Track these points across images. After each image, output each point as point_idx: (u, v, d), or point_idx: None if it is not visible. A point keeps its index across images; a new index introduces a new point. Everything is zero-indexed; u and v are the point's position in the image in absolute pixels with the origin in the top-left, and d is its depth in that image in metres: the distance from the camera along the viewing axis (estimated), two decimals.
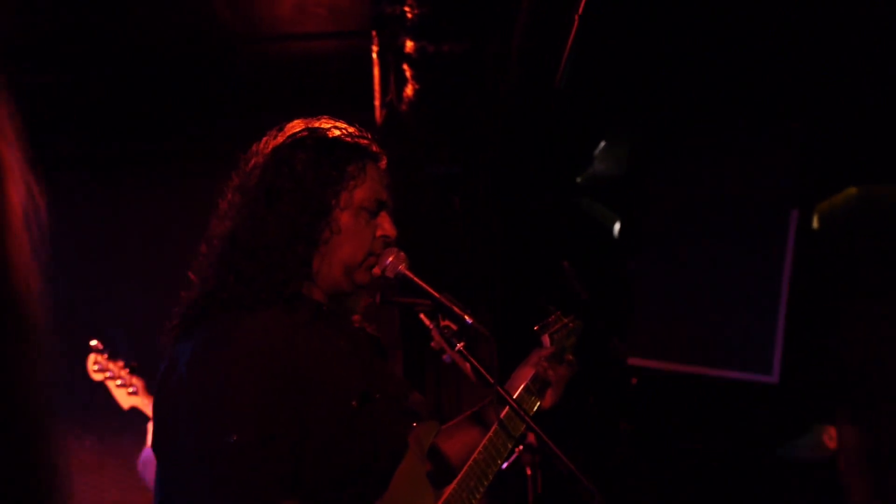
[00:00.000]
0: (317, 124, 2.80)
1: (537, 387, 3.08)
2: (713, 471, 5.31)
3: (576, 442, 3.50)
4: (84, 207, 5.67)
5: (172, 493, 2.59)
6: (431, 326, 2.79)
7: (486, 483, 2.90)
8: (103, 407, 4.88)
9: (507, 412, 2.94)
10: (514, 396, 3.00)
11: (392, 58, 4.93)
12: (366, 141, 2.81)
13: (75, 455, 5.44)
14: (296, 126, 2.80)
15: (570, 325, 3.25)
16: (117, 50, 5.09)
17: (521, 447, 4.13)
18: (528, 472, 4.97)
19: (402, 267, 2.80)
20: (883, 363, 5.05)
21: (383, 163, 2.83)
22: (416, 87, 4.94)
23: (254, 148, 2.79)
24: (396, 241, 2.84)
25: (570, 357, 3.18)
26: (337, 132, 2.78)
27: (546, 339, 3.15)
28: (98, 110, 5.45)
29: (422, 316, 2.80)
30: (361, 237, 2.75)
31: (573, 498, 2.71)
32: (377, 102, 5.07)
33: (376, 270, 2.80)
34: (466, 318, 2.73)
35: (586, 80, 4.94)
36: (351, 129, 2.81)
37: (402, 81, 4.98)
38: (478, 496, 2.88)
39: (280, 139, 2.77)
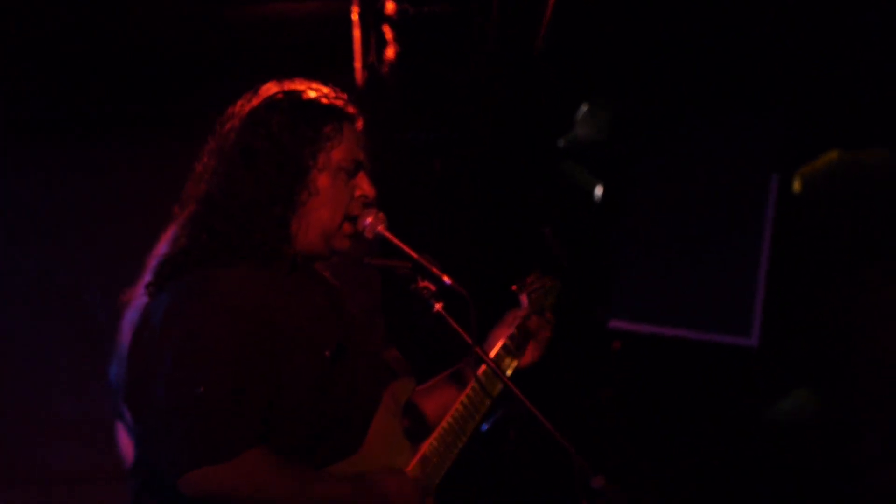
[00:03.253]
0: (292, 86, 2.80)
1: (514, 345, 3.10)
2: (693, 434, 5.34)
3: (556, 405, 3.53)
4: (60, 172, 5.65)
5: (146, 448, 2.61)
6: (411, 287, 2.80)
7: (463, 439, 2.93)
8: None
9: (484, 370, 2.96)
10: (492, 356, 3.02)
11: (373, 19, 4.90)
12: (341, 102, 2.81)
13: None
14: (271, 88, 2.80)
15: (549, 284, 3.26)
16: (94, 14, 5.04)
17: (502, 410, 4.16)
18: (511, 434, 5.01)
19: (380, 227, 2.81)
20: (862, 328, 5.08)
21: (360, 123, 2.84)
22: (397, 49, 4.92)
23: (229, 111, 2.79)
24: (375, 203, 2.85)
25: (549, 316, 3.20)
26: (313, 93, 2.79)
27: (524, 299, 3.17)
28: (73, 75, 5.41)
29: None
30: (339, 198, 2.76)
31: (554, 459, 2.73)
32: (358, 65, 5.05)
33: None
34: (445, 278, 2.75)
35: (568, 44, 4.93)
36: (326, 90, 2.81)
37: (383, 44, 4.96)
38: (455, 452, 2.91)
39: (255, 101, 2.77)
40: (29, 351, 5.52)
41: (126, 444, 3.63)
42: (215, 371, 2.46)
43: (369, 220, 2.81)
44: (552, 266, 3.61)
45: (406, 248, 2.79)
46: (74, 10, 5.07)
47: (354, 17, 4.98)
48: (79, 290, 5.47)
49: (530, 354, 3.15)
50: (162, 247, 3.02)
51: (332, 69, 4.67)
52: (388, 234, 2.81)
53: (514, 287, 3.19)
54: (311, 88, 2.80)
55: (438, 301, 2.77)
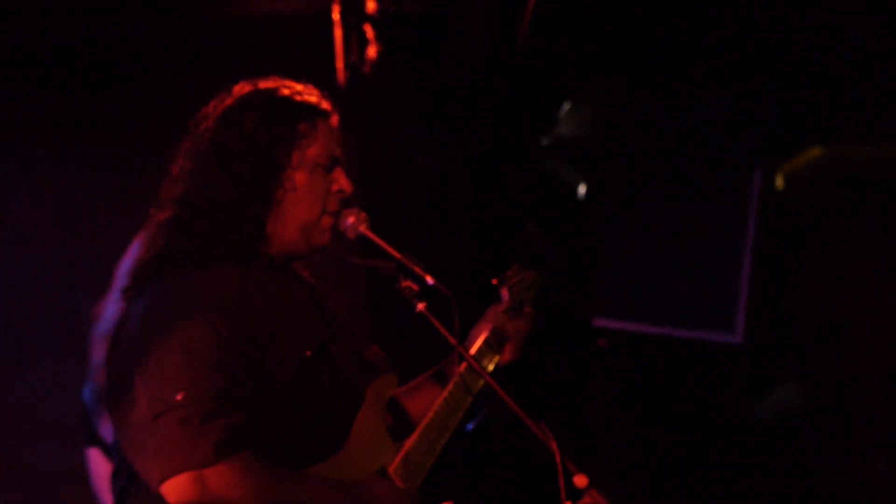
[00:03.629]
0: (265, 84, 2.80)
1: (496, 340, 3.09)
2: (678, 431, 5.35)
3: (541, 403, 3.53)
4: (44, 171, 5.64)
5: (127, 454, 2.59)
6: (395, 287, 2.80)
7: (446, 435, 2.92)
8: None
9: (465, 367, 2.96)
10: (473, 352, 3.01)
11: (354, 19, 4.89)
12: (315, 98, 2.81)
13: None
14: (244, 87, 2.80)
15: (530, 278, 3.25)
16: (75, 11, 5.02)
17: (486, 409, 4.16)
18: (495, 433, 5.01)
19: (362, 227, 2.81)
20: (847, 322, 5.09)
21: (334, 119, 2.83)
22: (379, 48, 4.91)
23: (203, 111, 2.79)
24: (358, 201, 2.85)
25: (529, 310, 3.19)
26: (286, 91, 2.78)
27: (505, 293, 3.16)
28: (52, 71, 5.40)
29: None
30: (316, 193, 2.75)
31: (537, 458, 2.73)
32: (340, 64, 5.04)
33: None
34: (427, 278, 2.74)
35: (550, 39, 4.93)
36: (300, 88, 2.81)
37: (365, 42, 4.95)
38: (438, 448, 2.90)
39: (229, 101, 2.77)
40: (18, 350, 5.52)
41: (100, 472, 3.60)
42: (195, 376, 2.44)
43: (351, 220, 2.81)
44: (537, 263, 3.60)
45: (389, 248, 2.79)
46: (55, 7, 5.05)
47: (336, 16, 4.97)
48: (67, 290, 5.46)
49: (511, 350, 3.14)
50: (132, 252, 3.02)
51: (314, 68, 4.64)
52: (370, 234, 2.81)
53: (494, 281, 3.18)
54: (285, 86, 2.80)
55: (421, 301, 2.76)
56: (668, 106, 5.35)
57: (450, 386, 2.96)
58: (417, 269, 2.76)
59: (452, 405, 2.95)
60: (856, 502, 5.00)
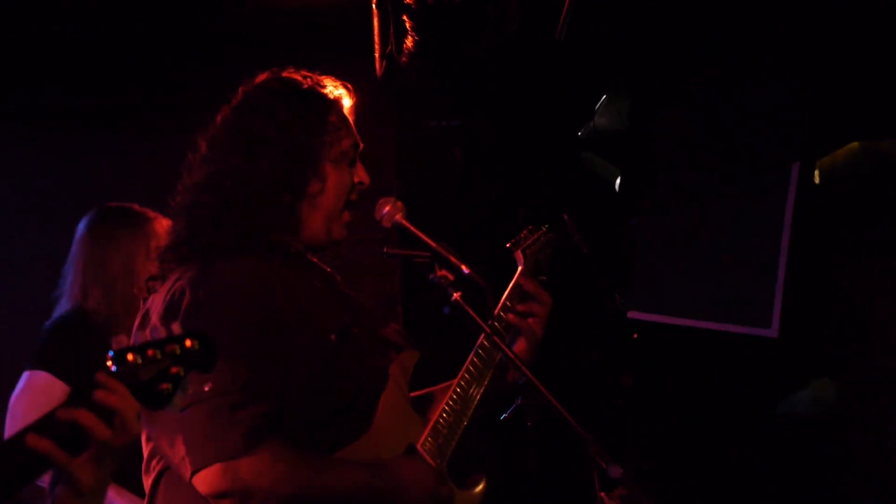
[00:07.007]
0: (287, 75, 2.82)
1: (512, 305, 3.06)
2: (712, 426, 5.32)
3: (575, 394, 3.52)
4: (72, 161, 5.67)
5: (158, 445, 2.60)
6: (430, 277, 2.80)
7: (472, 406, 2.93)
8: None
9: (485, 336, 2.94)
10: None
11: (392, 8, 4.89)
12: (341, 89, 2.83)
13: None
14: (269, 77, 2.82)
15: (543, 238, 3.24)
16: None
17: (520, 399, 4.15)
18: (529, 424, 4.99)
19: (399, 216, 2.82)
20: (884, 318, 5.05)
21: (352, 106, 2.85)
22: (416, 38, 4.90)
23: (233, 101, 2.81)
24: (393, 191, 2.86)
25: (544, 278, 3.17)
26: (310, 81, 2.80)
27: (519, 256, 3.15)
28: (87, 61, 5.42)
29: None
30: (343, 185, 2.79)
31: (572, 449, 2.72)
32: (377, 54, 5.04)
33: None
34: (463, 268, 2.74)
35: (588, 32, 4.91)
36: (321, 78, 2.83)
37: (402, 33, 4.94)
38: (465, 421, 2.91)
39: (256, 91, 2.79)
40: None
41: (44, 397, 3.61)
42: (222, 366, 2.45)
43: (387, 209, 2.82)
44: (572, 255, 3.58)
45: (424, 238, 2.80)
46: None
47: (373, 5, 4.97)
48: None
49: (533, 314, 3.09)
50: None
51: (351, 58, 4.66)
52: (406, 224, 2.82)
53: (508, 244, 3.17)
54: (307, 76, 2.82)
55: (457, 290, 2.76)
56: (705, 99, 5.31)
57: (471, 356, 2.97)
58: (453, 259, 2.76)
59: (476, 374, 2.95)
60: (890, 500, 4.96)
